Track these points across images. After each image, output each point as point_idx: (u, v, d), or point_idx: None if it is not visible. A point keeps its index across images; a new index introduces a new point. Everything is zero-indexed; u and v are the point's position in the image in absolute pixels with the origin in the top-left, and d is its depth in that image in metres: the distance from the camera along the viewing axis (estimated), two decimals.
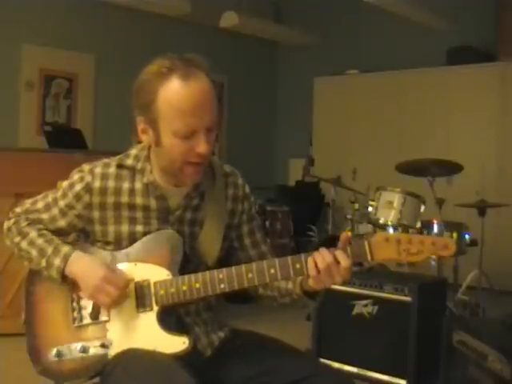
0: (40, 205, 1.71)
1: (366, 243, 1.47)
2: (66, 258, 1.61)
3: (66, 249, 1.63)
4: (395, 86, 6.58)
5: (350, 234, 1.49)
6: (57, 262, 1.62)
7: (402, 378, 3.02)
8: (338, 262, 1.47)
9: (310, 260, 1.49)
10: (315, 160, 5.68)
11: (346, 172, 5.16)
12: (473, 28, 6.31)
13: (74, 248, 1.65)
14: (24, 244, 1.68)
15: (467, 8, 6.31)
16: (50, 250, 1.63)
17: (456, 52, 6.22)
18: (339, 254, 1.47)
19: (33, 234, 1.68)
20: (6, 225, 1.74)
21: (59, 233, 1.71)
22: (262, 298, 1.74)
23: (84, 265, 1.60)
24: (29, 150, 4.77)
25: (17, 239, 1.69)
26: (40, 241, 1.66)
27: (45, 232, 1.69)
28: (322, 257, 1.48)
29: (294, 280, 1.62)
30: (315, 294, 1.59)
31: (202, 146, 1.52)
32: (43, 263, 1.64)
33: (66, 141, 5.05)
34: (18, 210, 1.74)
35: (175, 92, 1.50)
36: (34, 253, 1.65)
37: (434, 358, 2.94)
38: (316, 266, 1.48)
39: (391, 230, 3.98)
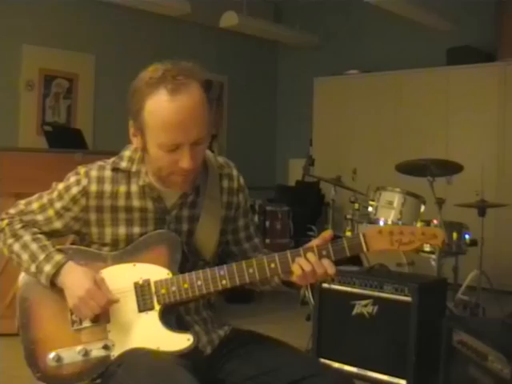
0: (35, 206, 1.69)
1: (361, 235, 1.54)
2: (57, 266, 1.60)
3: (58, 257, 1.62)
4: (395, 85, 6.57)
5: (330, 233, 1.56)
6: (47, 268, 1.60)
7: (402, 378, 3.01)
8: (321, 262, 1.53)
9: (294, 265, 1.53)
10: (315, 160, 5.68)
11: (346, 172, 5.15)
12: (473, 28, 6.31)
13: (68, 257, 1.62)
14: (16, 247, 1.66)
15: (467, 8, 6.30)
16: (41, 257, 1.62)
17: (456, 52, 6.21)
18: (324, 261, 1.53)
19: (27, 237, 1.66)
20: None
21: (54, 234, 1.69)
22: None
23: (74, 275, 1.59)
24: (29, 149, 4.76)
25: (10, 241, 1.68)
26: (33, 245, 1.64)
27: (39, 236, 1.67)
28: (307, 260, 1.53)
29: None
30: (293, 284, 1.62)
31: (185, 162, 1.52)
32: (33, 268, 1.62)
33: (66, 141, 5.05)
34: (11, 211, 1.72)
35: (161, 106, 1.49)
36: (25, 257, 1.64)
37: (434, 358, 2.94)
38: (301, 268, 1.53)
39: None
